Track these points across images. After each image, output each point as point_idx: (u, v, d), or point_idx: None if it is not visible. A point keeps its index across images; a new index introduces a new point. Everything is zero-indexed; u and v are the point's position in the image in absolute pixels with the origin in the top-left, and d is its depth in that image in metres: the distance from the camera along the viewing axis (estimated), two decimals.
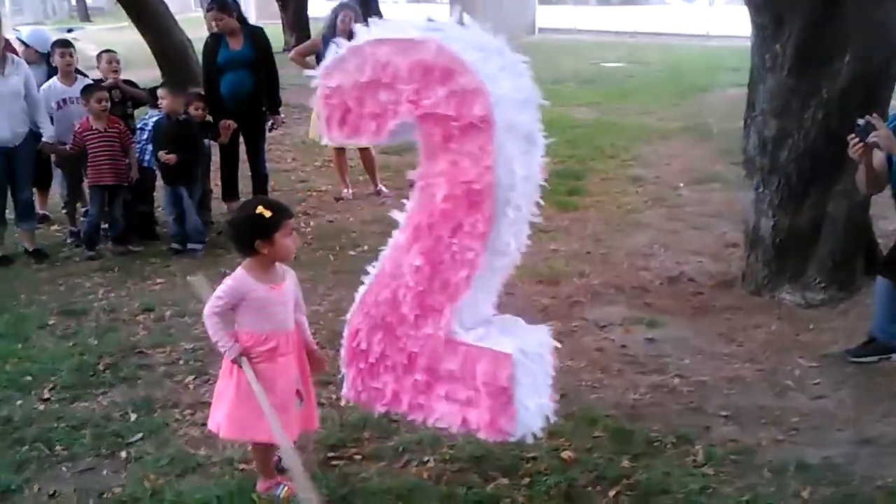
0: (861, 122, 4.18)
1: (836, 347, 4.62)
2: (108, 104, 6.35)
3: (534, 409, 2.94)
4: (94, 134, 6.29)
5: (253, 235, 3.15)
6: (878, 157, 4.29)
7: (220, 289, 3.20)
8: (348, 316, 3.28)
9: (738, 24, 20.21)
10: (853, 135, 4.21)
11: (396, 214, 3.12)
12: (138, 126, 6.67)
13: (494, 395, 2.90)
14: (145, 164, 6.56)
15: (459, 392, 3.00)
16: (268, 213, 3.12)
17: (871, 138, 4.13)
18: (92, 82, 6.65)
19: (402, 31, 2.90)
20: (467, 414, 2.99)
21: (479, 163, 2.79)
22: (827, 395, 4.16)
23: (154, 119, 6.53)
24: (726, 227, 6.58)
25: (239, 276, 3.20)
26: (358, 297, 3.25)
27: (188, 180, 6.40)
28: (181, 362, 4.61)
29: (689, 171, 8.43)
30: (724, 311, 5.14)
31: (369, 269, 3.23)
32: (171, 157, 6.22)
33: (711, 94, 12.64)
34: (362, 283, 3.25)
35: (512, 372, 2.87)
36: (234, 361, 3.19)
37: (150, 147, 6.48)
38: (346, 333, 3.28)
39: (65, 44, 6.93)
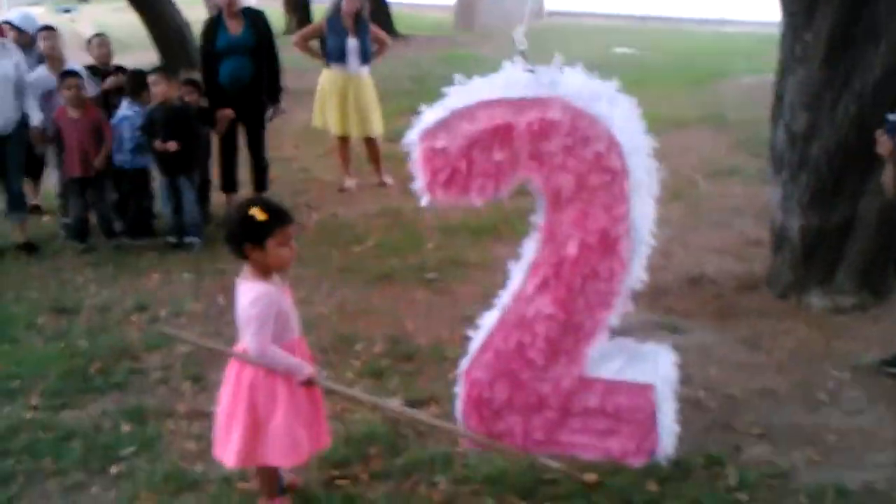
0: (892, 117, 3.94)
1: (870, 357, 4.36)
2: (79, 91, 6.02)
3: (671, 431, 3.23)
4: (67, 122, 6.03)
5: (242, 238, 2.89)
6: (891, 170, 4.03)
7: (258, 314, 2.89)
8: (461, 368, 3.41)
9: (753, 9, 19.90)
10: (881, 130, 3.97)
11: (512, 265, 3.32)
12: (113, 122, 6.23)
13: (637, 422, 3.15)
14: (127, 165, 6.23)
15: (598, 423, 3.22)
16: (261, 217, 2.85)
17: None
18: (74, 69, 6.29)
19: (513, 90, 3.04)
20: (608, 443, 3.23)
21: (611, 211, 2.99)
22: (863, 410, 3.91)
23: (125, 113, 6.19)
24: (748, 224, 6.31)
25: (262, 289, 2.92)
26: (473, 348, 3.39)
27: (186, 170, 6.12)
28: (177, 367, 4.37)
29: (706, 164, 8.12)
30: (749, 315, 4.88)
31: (482, 321, 3.42)
32: (173, 144, 5.94)
33: (727, 82, 12.30)
34: (478, 326, 3.46)
35: (654, 400, 3.16)
36: (309, 383, 2.99)
37: (128, 144, 6.15)
38: (462, 385, 3.41)
39: (49, 28, 6.62)
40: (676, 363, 3.39)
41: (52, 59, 6.39)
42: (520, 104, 2.99)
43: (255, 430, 2.97)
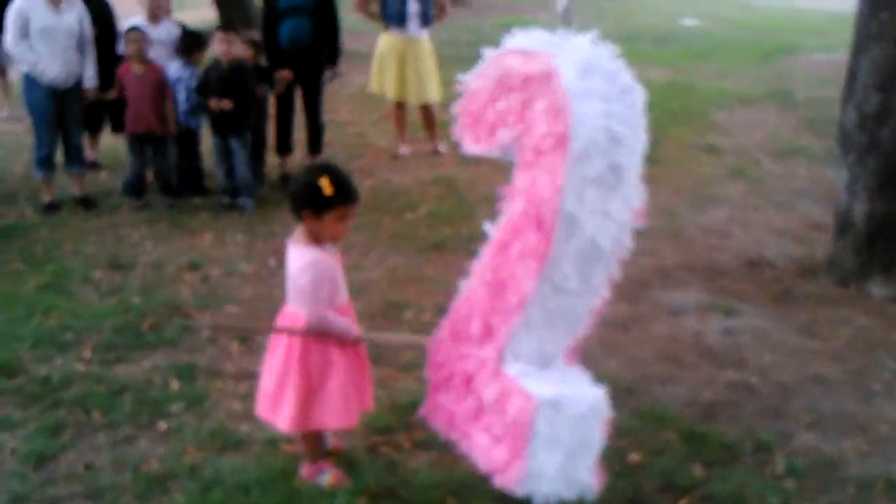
0: None
1: None
2: (142, 45, 6.04)
3: (552, 472, 2.64)
4: (131, 78, 6.08)
5: (304, 204, 2.87)
6: None
7: (311, 281, 2.88)
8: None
9: None
10: None
11: (488, 226, 2.94)
12: (172, 80, 6.26)
13: (515, 436, 2.66)
14: (182, 123, 6.29)
15: (496, 427, 2.76)
16: (328, 190, 2.82)
17: None
18: (137, 24, 6.31)
19: (530, 42, 2.77)
20: (493, 451, 2.76)
21: (553, 183, 2.59)
22: None
23: (178, 74, 6.22)
24: (811, 207, 6.13)
25: (313, 255, 2.90)
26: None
27: (239, 130, 6.12)
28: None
29: (771, 142, 7.90)
30: (807, 301, 4.75)
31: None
32: (226, 103, 5.94)
33: (796, 59, 11.92)
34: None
35: (532, 418, 2.62)
36: (356, 341, 3.01)
37: (183, 106, 6.21)
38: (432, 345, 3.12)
39: None
40: (604, 414, 2.74)
41: (153, 11, 6.39)
42: (523, 55, 2.74)
43: (310, 395, 2.98)
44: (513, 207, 2.75)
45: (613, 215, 2.67)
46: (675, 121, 8.50)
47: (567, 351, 2.93)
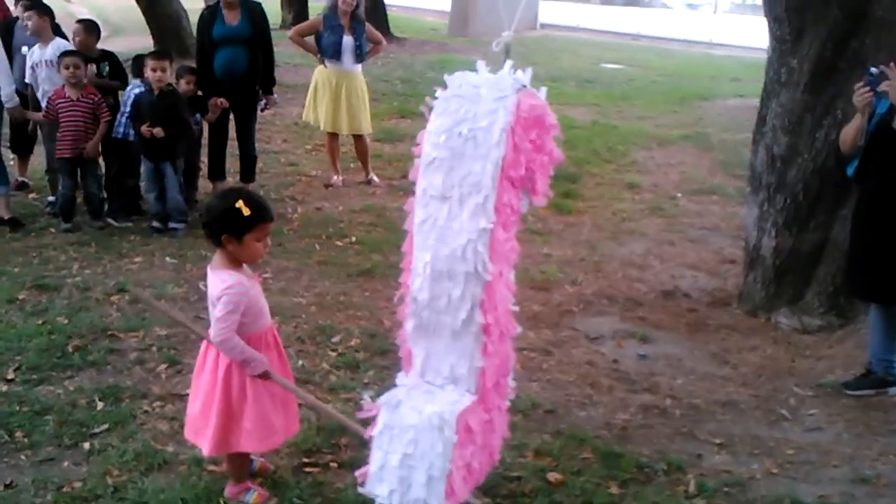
0: (875, 70, 4.05)
1: (833, 377, 4.48)
2: (78, 71, 6.01)
3: (387, 478, 2.73)
4: (65, 102, 6.05)
5: (223, 228, 2.94)
6: (859, 121, 4.18)
7: (227, 301, 2.92)
8: None
9: (742, 34, 20.19)
10: (862, 83, 4.10)
11: None
12: (125, 98, 6.34)
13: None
14: (131, 138, 6.30)
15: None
16: (246, 211, 2.90)
17: (882, 87, 3.99)
18: (72, 47, 6.33)
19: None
20: None
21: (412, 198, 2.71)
22: (822, 427, 4.02)
23: (134, 91, 6.25)
24: (724, 242, 6.44)
25: (232, 278, 2.96)
26: None
27: (171, 156, 6.15)
28: (154, 349, 4.40)
29: (687, 181, 8.28)
30: (719, 330, 4.99)
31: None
32: (159, 131, 5.97)
33: (712, 104, 12.47)
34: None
35: (377, 417, 2.75)
36: (262, 376, 3.01)
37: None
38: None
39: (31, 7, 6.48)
40: (452, 424, 2.66)
41: (35, 31, 6.35)
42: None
43: (230, 417, 3.02)
44: None
45: (459, 231, 2.63)
46: (597, 159, 8.83)
47: (475, 380, 2.77)
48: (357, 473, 2.89)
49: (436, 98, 2.68)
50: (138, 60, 6.45)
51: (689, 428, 3.93)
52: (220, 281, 2.96)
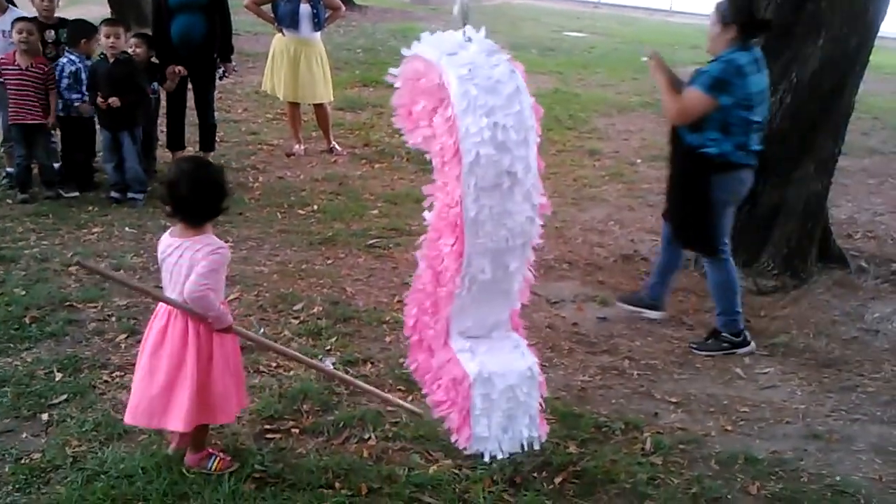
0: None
1: (786, 336, 4.59)
2: (31, 37, 5.90)
3: (494, 435, 2.96)
4: (14, 70, 5.93)
5: (222, 199, 3.01)
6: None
7: (218, 259, 2.96)
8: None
9: (701, 2, 20.21)
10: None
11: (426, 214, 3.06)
12: (57, 71, 6.10)
13: (460, 405, 2.96)
14: (72, 113, 6.15)
15: (445, 389, 3.04)
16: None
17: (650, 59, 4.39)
18: (25, 15, 6.19)
19: (430, 48, 2.85)
20: (450, 413, 3.03)
21: (455, 191, 2.76)
22: (776, 385, 4.12)
23: (67, 62, 6.09)
24: None
25: (219, 242, 3.01)
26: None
27: (129, 125, 6.05)
28: (113, 319, 4.37)
29: (647, 148, 8.35)
30: (677, 292, 5.06)
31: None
32: (115, 101, 5.88)
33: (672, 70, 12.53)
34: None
35: (469, 392, 2.91)
36: (227, 330, 3.04)
37: (73, 94, 6.08)
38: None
39: None
40: (536, 380, 3.00)
41: None
42: (427, 64, 2.83)
43: (204, 388, 3.02)
44: (437, 204, 2.93)
45: (515, 212, 2.80)
46: (558, 126, 8.86)
47: (510, 317, 3.13)
48: (454, 440, 2.99)
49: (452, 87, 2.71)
50: (73, 29, 6.27)
51: (647, 388, 4.01)
52: (205, 244, 2.96)
